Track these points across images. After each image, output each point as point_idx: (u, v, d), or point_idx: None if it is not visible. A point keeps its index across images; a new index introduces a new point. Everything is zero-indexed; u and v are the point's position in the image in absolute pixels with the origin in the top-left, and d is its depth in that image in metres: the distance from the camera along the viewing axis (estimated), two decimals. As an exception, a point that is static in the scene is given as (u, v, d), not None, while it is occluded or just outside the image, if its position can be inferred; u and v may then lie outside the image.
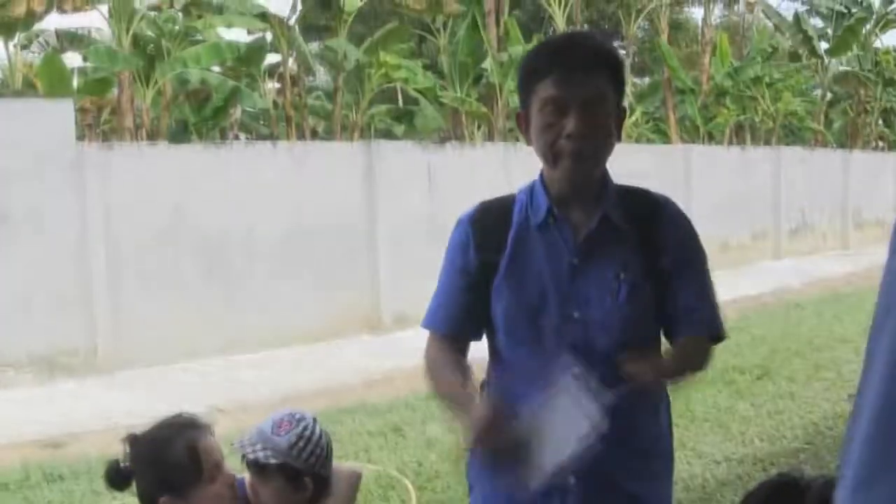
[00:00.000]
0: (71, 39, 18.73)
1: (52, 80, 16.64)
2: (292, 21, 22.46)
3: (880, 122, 40.64)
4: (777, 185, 26.59)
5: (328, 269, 15.55)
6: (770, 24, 39.62)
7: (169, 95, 19.81)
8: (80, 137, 14.95)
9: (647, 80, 32.46)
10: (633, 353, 3.11)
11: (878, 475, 1.40)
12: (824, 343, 13.92)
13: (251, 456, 3.63)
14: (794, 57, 35.34)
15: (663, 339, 3.33)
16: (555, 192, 3.18)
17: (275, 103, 23.55)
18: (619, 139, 3.20)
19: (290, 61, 22.39)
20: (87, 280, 13.08)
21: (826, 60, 35.05)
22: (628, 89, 23.82)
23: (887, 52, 37.23)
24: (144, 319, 13.46)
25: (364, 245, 16.13)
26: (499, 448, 2.97)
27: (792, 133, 36.13)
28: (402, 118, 25.71)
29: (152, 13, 19.19)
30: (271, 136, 21.93)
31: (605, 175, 3.23)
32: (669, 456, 3.43)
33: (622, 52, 26.00)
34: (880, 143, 41.04)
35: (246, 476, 3.71)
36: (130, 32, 17.87)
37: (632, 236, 3.17)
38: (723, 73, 30.66)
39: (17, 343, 12.40)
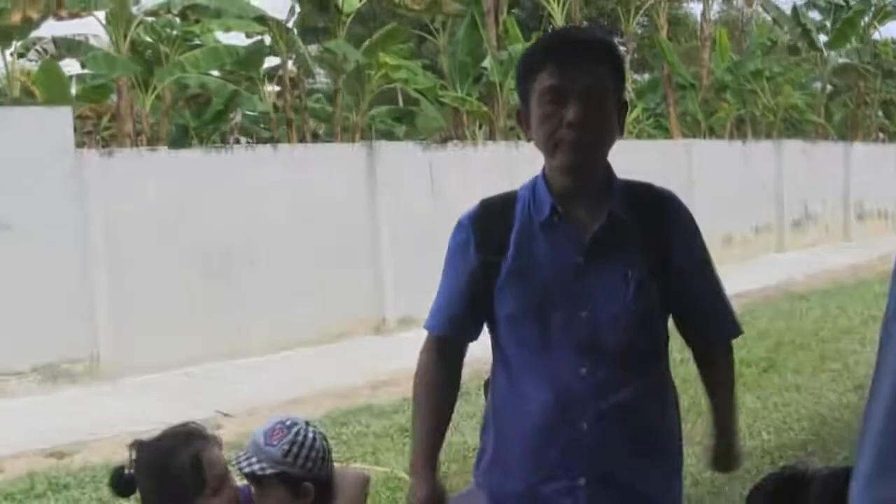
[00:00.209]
0: (68, 47, 18.67)
1: (50, 88, 16.63)
2: (291, 24, 22.47)
3: (880, 113, 40.70)
4: (779, 178, 26.58)
5: (332, 271, 15.53)
6: (769, 18, 39.63)
7: (168, 101, 19.83)
8: (80, 145, 14.94)
9: (646, 76, 32.48)
10: (714, 456, 3.46)
11: (891, 468, 1.40)
12: (829, 335, 13.93)
13: (247, 469, 3.63)
14: (793, 50, 35.32)
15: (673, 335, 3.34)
16: (557, 187, 3.15)
17: (275, 106, 23.55)
18: (621, 133, 3.19)
19: (290, 64, 22.39)
20: (88, 287, 13.05)
21: (825, 53, 35.06)
22: (628, 86, 23.84)
23: (886, 43, 37.36)
24: (147, 325, 13.44)
25: (367, 246, 16.12)
26: None
27: (793, 126, 36.15)
28: (402, 119, 25.71)
29: (150, 19, 19.17)
30: (272, 140, 21.92)
31: (609, 171, 3.22)
32: (678, 453, 3.40)
33: (622, 48, 25.96)
34: (881, 135, 41.08)
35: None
36: (128, 38, 17.85)
37: (638, 233, 3.15)
38: (723, 67, 30.69)
39: (20, 352, 12.37)
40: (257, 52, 21.42)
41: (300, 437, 3.65)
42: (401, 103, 27.98)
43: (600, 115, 3.06)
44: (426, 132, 24.47)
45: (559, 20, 26.84)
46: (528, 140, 3.21)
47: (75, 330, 12.89)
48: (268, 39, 21.40)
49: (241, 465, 3.65)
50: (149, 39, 19.75)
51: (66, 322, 12.81)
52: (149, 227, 13.62)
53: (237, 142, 23.62)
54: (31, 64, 20.95)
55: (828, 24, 35.37)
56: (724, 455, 3.48)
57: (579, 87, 3.02)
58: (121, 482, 3.60)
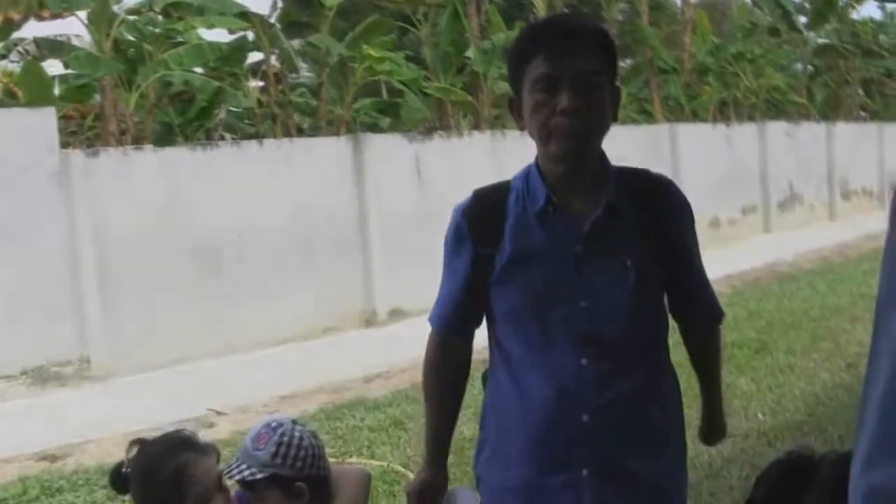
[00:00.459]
0: (51, 47, 18.59)
1: (33, 89, 16.55)
2: (273, 19, 22.44)
3: (861, 92, 40.87)
4: (764, 159, 26.70)
5: (321, 266, 15.54)
6: (748, 1, 39.67)
7: (152, 99, 19.73)
8: (65, 145, 14.86)
9: (629, 61, 32.39)
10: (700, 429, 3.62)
11: (886, 452, 1.40)
12: (820, 314, 13.99)
13: (238, 477, 3.62)
14: (773, 32, 35.37)
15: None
16: (551, 176, 3.14)
17: (259, 102, 23.49)
18: (615, 120, 3.16)
19: (273, 59, 22.33)
20: (77, 288, 13.03)
21: (805, 34, 35.17)
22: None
23: (865, 23, 37.50)
24: (137, 324, 13.43)
25: (356, 239, 16.12)
26: None
27: (775, 107, 36.19)
28: (387, 111, 25.65)
29: (132, 17, 19.09)
30: (256, 136, 21.86)
31: (603, 158, 3.20)
32: (682, 440, 3.39)
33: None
34: (862, 114, 41.21)
35: None
36: (111, 37, 17.78)
37: (636, 221, 3.15)
38: (704, 51, 30.69)
39: (9, 355, 12.33)
40: (240, 48, 21.32)
41: (286, 438, 3.64)
42: (385, 95, 27.93)
43: (594, 102, 3.04)
44: (411, 123, 24.43)
45: (541, 8, 26.78)
46: (521, 129, 3.18)
47: (64, 331, 12.86)
48: (251, 35, 21.33)
49: (232, 474, 3.64)
50: (131, 38, 19.66)
51: (55, 324, 12.78)
52: (136, 226, 13.59)
53: (222, 138, 23.55)
54: (14, 65, 20.86)
55: (807, 5, 35.48)
56: (710, 428, 3.61)
57: (572, 75, 3.00)
58: (118, 479, 3.59)
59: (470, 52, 23.56)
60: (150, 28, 19.61)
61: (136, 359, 13.09)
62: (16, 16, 16.34)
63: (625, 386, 3.10)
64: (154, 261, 13.74)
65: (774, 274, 18.63)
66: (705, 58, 30.52)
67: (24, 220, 12.58)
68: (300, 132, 24.47)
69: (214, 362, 13.43)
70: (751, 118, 30.94)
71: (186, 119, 20.80)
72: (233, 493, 3.70)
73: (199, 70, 20.59)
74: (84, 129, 21.71)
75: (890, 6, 41.10)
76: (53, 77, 18.37)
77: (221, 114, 23.78)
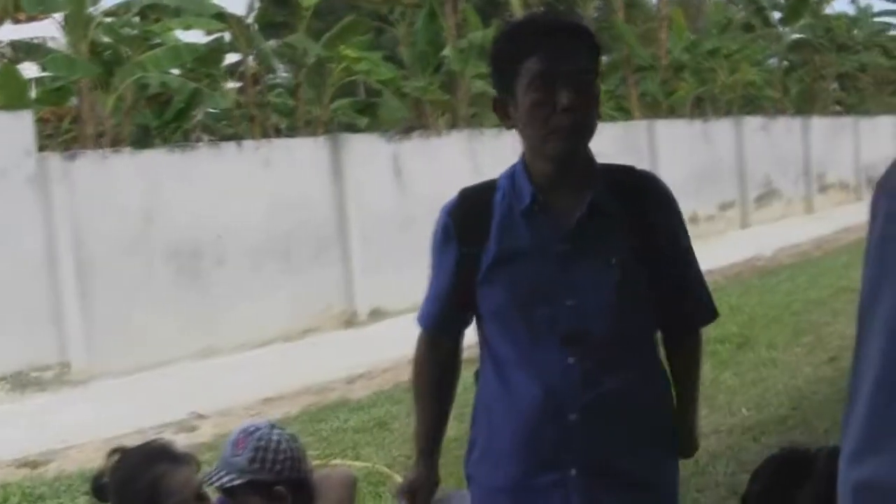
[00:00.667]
0: (27, 49, 18.51)
1: (9, 92, 16.46)
2: (250, 19, 22.39)
3: (836, 86, 41.13)
4: (741, 154, 26.79)
5: (301, 266, 15.53)
6: (722, -3, 39.88)
7: (129, 101, 19.67)
8: (42, 148, 14.79)
9: (605, 58, 32.44)
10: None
11: (876, 446, 1.43)
12: (801, 307, 14.04)
13: (217, 484, 3.61)
14: (748, 28, 35.58)
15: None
16: (539, 174, 3.11)
17: (237, 103, 23.45)
18: (599, 117, 3.15)
19: (250, 60, 22.32)
20: (56, 292, 12.98)
21: (780, 29, 35.34)
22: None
23: (838, 18, 37.74)
24: (117, 328, 13.39)
25: (335, 239, 16.11)
26: None
27: (751, 102, 36.40)
28: (365, 111, 25.63)
29: (108, 19, 19.03)
30: (234, 136, 21.82)
31: (590, 156, 3.18)
32: (672, 437, 3.37)
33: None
34: (838, 108, 41.44)
35: None
36: (87, 39, 17.72)
37: (622, 218, 3.13)
38: (680, 47, 30.77)
39: (-12, 360, 12.30)
40: (217, 49, 21.32)
41: (263, 442, 3.62)
42: (362, 95, 27.93)
43: (590, 99, 3.04)
44: (389, 123, 24.39)
45: (517, 6, 26.80)
46: (508, 128, 3.16)
47: (44, 336, 12.80)
48: (227, 36, 21.32)
49: (212, 481, 3.63)
50: (108, 40, 19.60)
51: (34, 328, 12.73)
52: (115, 229, 13.56)
53: (199, 140, 23.50)
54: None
55: (781, 0, 35.65)
56: (683, 441, 3.45)
57: (570, 73, 2.99)
58: (98, 489, 3.58)
59: (447, 51, 23.55)
60: (127, 30, 19.55)
61: (117, 363, 13.06)
62: (-9, 19, 16.30)
63: (612, 384, 3.08)
64: (133, 263, 13.70)
65: (754, 268, 18.71)
66: (681, 54, 30.60)
67: (1, 223, 12.52)
68: (278, 133, 24.47)
69: (195, 365, 13.42)
70: (727, 113, 31.05)
71: (164, 121, 20.76)
72: (215, 499, 3.68)
73: (176, 71, 20.56)
74: (61, 131, 21.62)
75: (862, 1, 41.36)
76: (30, 80, 18.29)
77: (199, 115, 23.74)
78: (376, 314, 15.83)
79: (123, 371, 12.94)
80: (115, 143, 17.62)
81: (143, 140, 19.93)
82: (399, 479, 7.78)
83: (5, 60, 18.06)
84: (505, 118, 3.14)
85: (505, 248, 3.13)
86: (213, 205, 14.53)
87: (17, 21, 16.83)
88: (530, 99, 3.00)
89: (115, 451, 3.60)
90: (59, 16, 17.52)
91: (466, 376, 3.45)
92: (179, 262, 14.22)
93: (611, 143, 18.55)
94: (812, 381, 9.96)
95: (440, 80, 24.28)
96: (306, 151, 16.29)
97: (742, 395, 9.56)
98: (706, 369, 10.11)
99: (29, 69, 18.82)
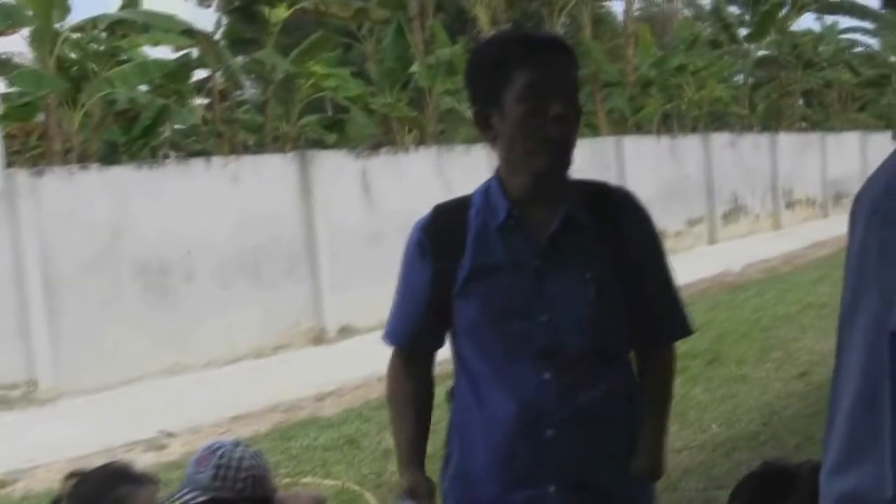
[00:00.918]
0: (-6, 65, 18.50)
1: (-25, 109, 16.49)
2: (218, 36, 22.36)
3: (802, 102, 41.37)
4: (708, 170, 26.86)
5: (270, 283, 15.48)
6: (689, 14, 40.06)
7: (97, 117, 19.60)
8: (9, 164, 14.73)
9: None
10: (638, 465, 3.25)
11: (857, 459, 1.44)
12: (770, 323, 14.11)
13: (180, 502, 3.57)
14: (715, 44, 35.83)
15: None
16: (518, 189, 3.11)
17: (204, 119, 23.41)
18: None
19: (218, 76, 22.28)
20: (23, 308, 12.89)
21: (746, 46, 35.55)
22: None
23: (805, 34, 38.02)
24: (85, 346, 13.30)
25: (304, 255, 16.06)
26: None
27: (718, 119, 36.58)
28: (333, 127, 25.59)
29: (76, 35, 18.96)
30: (202, 153, 21.76)
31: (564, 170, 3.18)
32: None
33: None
34: (804, 124, 41.69)
35: None
36: (54, 55, 17.66)
37: (596, 233, 3.13)
38: (647, 64, 30.86)
39: (-46, 379, 12.22)
40: (185, 65, 21.29)
41: (225, 460, 3.58)
42: (330, 111, 27.92)
43: (577, 113, 3.08)
44: (357, 139, 24.38)
45: (485, 23, 26.86)
46: (489, 140, 3.15)
47: (10, 353, 12.71)
48: (196, 52, 21.28)
49: (175, 499, 3.59)
50: (75, 56, 19.54)
51: (0, 346, 12.64)
52: (83, 246, 13.49)
53: (167, 156, 23.44)
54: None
55: (747, 17, 35.92)
56: (650, 463, 3.32)
57: (562, 84, 3.03)
58: None
59: (415, 68, 23.58)
60: (95, 46, 19.49)
61: (85, 380, 12.97)
62: (-42, 35, 16.23)
63: (589, 399, 3.08)
64: (101, 280, 13.63)
65: (723, 284, 18.76)
66: (648, 70, 30.70)
67: (-32, 241, 12.47)
68: (246, 149, 24.45)
69: (164, 382, 13.34)
70: (694, 130, 31.15)
71: (132, 137, 20.69)
72: None
73: (144, 88, 20.52)
74: (28, 148, 21.55)
75: (829, 18, 41.62)
76: (-3, 95, 18.24)
77: (167, 132, 23.69)
78: (345, 331, 15.78)
79: (91, 389, 12.85)
80: (83, 160, 17.54)
81: (110, 156, 19.87)
82: (370, 496, 7.77)
83: (-28, 76, 17.99)
84: (486, 130, 3.12)
85: (479, 264, 3.12)
86: (182, 221, 14.48)
87: (-17, 36, 16.76)
88: (522, 109, 3.00)
89: (72, 474, 3.55)
90: (26, 31, 17.43)
91: (438, 392, 3.42)
92: (148, 279, 14.15)
93: (579, 160, 18.43)
94: (782, 396, 9.99)
95: (408, 97, 24.33)
96: (274, 168, 16.26)
97: (712, 410, 9.58)
98: (676, 385, 10.14)
99: (-5, 85, 18.77)
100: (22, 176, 13.47)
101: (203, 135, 23.83)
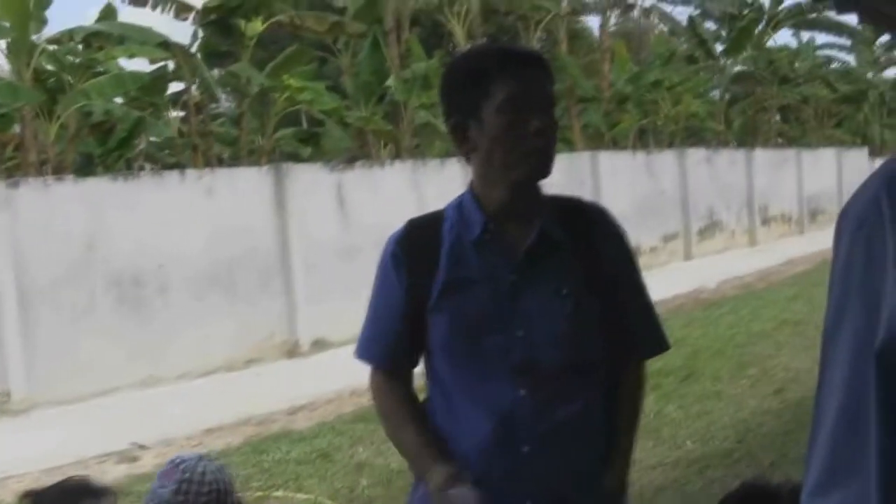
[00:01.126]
0: (-31, 76, 18.47)
1: (-48, 120, 16.46)
2: (194, 49, 22.35)
3: (778, 118, 41.51)
4: (684, 186, 26.85)
5: (243, 296, 15.44)
6: (665, 29, 40.17)
7: (73, 129, 19.57)
8: (-15, 176, 14.71)
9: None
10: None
11: (836, 481, 1.41)
12: (745, 340, 14.08)
13: None
14: (691, 60, 35.90)
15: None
16: (493, 203, 3.09)
17: (180, 132, 23.39)
18: None
19: (194, 89, 22.26)
20: (-3, 320, 12.88)
21: (722, 62, 35.65)
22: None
23: (781, 50, 38.12)
24: (59, 357, 13.26)
25: (278, 269, 16.03)
26: None
27: (694, 134, 36.64)
28: (308, 140, 25.61)
29: (52, 47, 18.95)
30: (177, 165, 21.74)
31: (538, 185, 3.17)
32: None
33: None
34: (780, 140, 41.78)
35: None
36: (31, 67, 17.64)
37: (570, 248, 3.11)
38: (623, 79, 30.94)
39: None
40: (161, 77, 21.29)
41: (187, 474, 3.55)
42: (305, 125, 27.92)
43: (555, 126, 3.08)
44: (332, 153, 24.37)
45: (460, 37, 26.91)
46: (465, 154, 3.11)
47: (-16, 365, 12.69)
48: (171, 65, 21.27)
49: None
50: (51, 68, 19.53)
51: (-25, 358, 12.61)
52: (57, 257, 13.45)
53: (143, 168, 23.42)
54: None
55: (723, 33, 36.08)
56: (613, 480, 3.28)
57: (543, 96, 3.03)
58: None
59: (390, 82, 23.61)
60: (71, 58, 19.49)
61: (58, 392, 12.92)
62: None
63: (566, 414, 3.05)
64: (75, 292, 13.59)
65: (698, 301, 18.75)
66: (624, 86, 30.78)
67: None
68: (221, 162, 24.41)
69: (137, 394, 13.31)
70: (670, 145, 31.23)
71: (107, 149, 20.65)
72: None
73: (119, 100, 20.49)
74: (4, 159, 21.47)
75: (804, 34, 41.79)
76: (-28, 107, 18.17)
77: (142, 144, 23.68)
78: (319, 344, 15.74)
79: (65, 400, 12.81)
80: (59, 171, 17.51)
81: (86, 168, 19.85)
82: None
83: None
84: (463, 142, 3.09)
85: (454, 278, 3.09)
86: (156, 233, 14.44)
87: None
88: (504, 121, 2.98)
89: (27, 493, 3.53)
90: (2, 42, 17.40)
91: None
92: (122, 291, 14.11)
93: (554, 175, 18.51)
94: (757, 413, 9.98)
95: (384, 111, 24.37)
96: (249, 181, 16.23)
97: (686, 428, 9.56)
98: (650, 402, 10.13)
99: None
100: (-3, 187, 13.43)
101: (178, 147, 23.81)
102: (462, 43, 26.21)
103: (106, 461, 9.93)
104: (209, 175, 16.20)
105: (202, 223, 15.04)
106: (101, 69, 20.25)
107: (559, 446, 3.05)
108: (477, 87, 3.02)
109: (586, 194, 19.97)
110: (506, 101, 2.97)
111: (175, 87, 23.11)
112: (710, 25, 37.08)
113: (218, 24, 22.62)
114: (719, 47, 35.91)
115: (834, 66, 45.31)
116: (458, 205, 3.18)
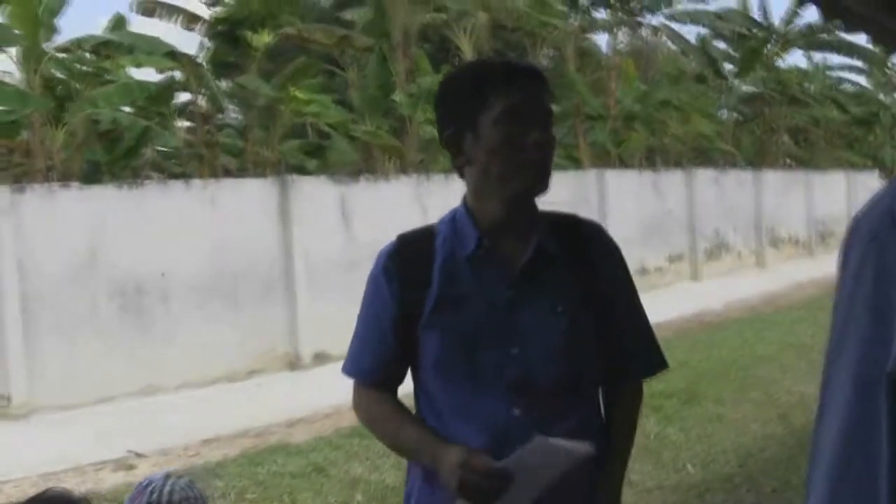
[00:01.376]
0: (-21, 83, 18.55)
1: (-39, 125, 16.52)
2: (202, 59, 22.40)
3: (787, 139, 41.34)
4: (691, 206, 26.78)
5: (246, 307, 15.43)
6: (675, 48, 40.15)
7: (80, 136, 19.61)
8: (-9, 181, 14.74)
9: (555, 107, 32.59)
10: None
11: None
12: (749, 363, 13.97)
13: None
14: (700, 79, 35.85)
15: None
16: (488, 218, 3.05)
17: (186, 142, 23.42)
18: None
19: (201, 99, 22.28)
20: (-1, 326, 12.88)
21: (732, 82, 35.61)
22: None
23: (791, 71, 38.05)
24: (59, 363, 13.30)
25: (281, 281, 16.03)
26: (486, 485, 2.85)
27: (702, 154, 36.54)
28: (314, 153, 25.63)
29: (61, 55, 19.03)
30: (183, 175, 21.75)
31: (533, 201, 3.13)
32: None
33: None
34: (789, 161, 41.68)
35: None
36: (40, 74, 17.72)
37: (566, 265, 3.07)
38: (631, 98, 30.88)
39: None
40: (168, 87, 21.33)
41: (155, 496, 3.49)
42: (312, 137, 27.93)
43: (554, 141, 3.05)
44: (337, 166, 24.39)
45: (468, 52, 26.92)
46: (459, 166, 3.07)
47: (-15, 370, 12.70)
48: (179, 75, 21.30)
49: None
50: (60, 76, 19.62)
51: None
52: (61, 264, 13.49)
53: (149, 177, 23.41)
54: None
55: (733, 53, 36.09)
56: (610, 499, 3.23)
57: (542, 109, 3.01)
58: None
59: (397, 96, 23.62)
60: (80, 66, 19.56)
61: (58, 398, 12.95)
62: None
63: (561, 432, 2.96)
64: (78, 299, 13.63)
65: (703, 323, 18.66)
66: (632, 105, 30.71)
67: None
68: (227, 173, 24.39)
69: (136, 403, 13.33)
70: (678, 165, 31.14)
71: (114, 157, 20.68)
72: None
73: (127, 109, 20.55)
74: (11, 165, 21.49)
75: (818, 56, 41.76)
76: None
77: (149, 153, 23.67)
78: (320, 358, 15.70)
79: (64, 406, 12.84)
80: (65, 178, 17.53)
81: (92, 176, 19.86)
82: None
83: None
84: (458, 154, 3.05)
85: (448, 293, 3.05)
86: (160, 242, 14.47)
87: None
88: (501, 132, 2.95)
89: None
90: (12, 50, 17.47)
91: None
92: (124, 299, 14.12)
93: (560, 192, 18.43)
94: (760, 438, 9.91)
95: (390, 125, 24.41)
96: (254, 192, 16.23)
97: (688, 451, 9.50)
98: (651, 424, 10.10)
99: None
100: (3, 192, 13.45)
101: (184, 158, 23.81)
102: (469, 58, 26.20)
103: (103, 468, 9.93)
104: (214, 185, 16.22)
105: (206, 233, 15.05)
106: (110, 78, 20.32)
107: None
108: (475, 98, 2.99)
109: (592, 213, 20.03)
110: (504, 112, 2.93)
111: (183, 97, 23.18)
112: (720, 45, 37.05)
113: (226, 36, 22.74)
114: (729, 67, 35.85)
115: (846, 87, 45.19)
116: (451, 219, 3.14)
